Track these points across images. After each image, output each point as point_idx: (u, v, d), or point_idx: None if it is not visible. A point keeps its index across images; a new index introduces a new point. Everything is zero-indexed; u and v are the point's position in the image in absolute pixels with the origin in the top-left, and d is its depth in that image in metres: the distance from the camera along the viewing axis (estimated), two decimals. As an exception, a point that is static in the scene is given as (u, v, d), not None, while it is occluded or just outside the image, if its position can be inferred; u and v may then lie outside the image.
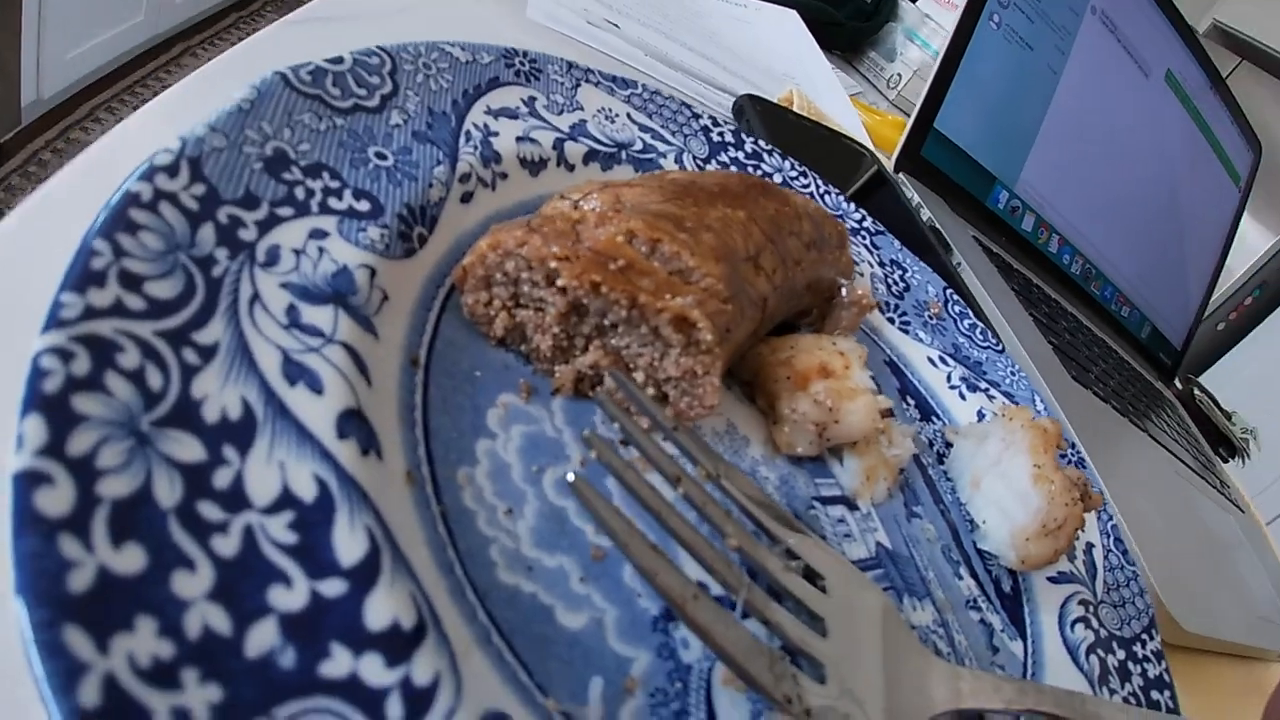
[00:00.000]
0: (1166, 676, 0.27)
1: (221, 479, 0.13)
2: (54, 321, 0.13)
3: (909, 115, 0.55)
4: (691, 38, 0.49)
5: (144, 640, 0.11)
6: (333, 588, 0.13)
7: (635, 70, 0.42)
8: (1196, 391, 0.71)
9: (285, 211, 0.18)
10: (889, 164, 0.48)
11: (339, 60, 0.22)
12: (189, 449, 0.13)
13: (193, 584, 0.12)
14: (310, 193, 0.19)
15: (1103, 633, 0.27)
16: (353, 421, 0.16)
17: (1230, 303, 0.98)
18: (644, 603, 0.19)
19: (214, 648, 0.12)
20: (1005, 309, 0.39)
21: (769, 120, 0.40)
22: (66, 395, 0.13)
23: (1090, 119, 0.59)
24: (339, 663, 0.13)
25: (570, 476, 0.16)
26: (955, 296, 0.34)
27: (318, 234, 0.18)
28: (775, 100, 0.44)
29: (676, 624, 0.19)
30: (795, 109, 0.44)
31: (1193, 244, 0.71)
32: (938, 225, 0.42)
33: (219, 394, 0.14)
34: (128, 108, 1.41)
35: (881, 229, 0.35)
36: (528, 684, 0.15)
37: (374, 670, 0.13)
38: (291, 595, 0.13)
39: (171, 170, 0.16)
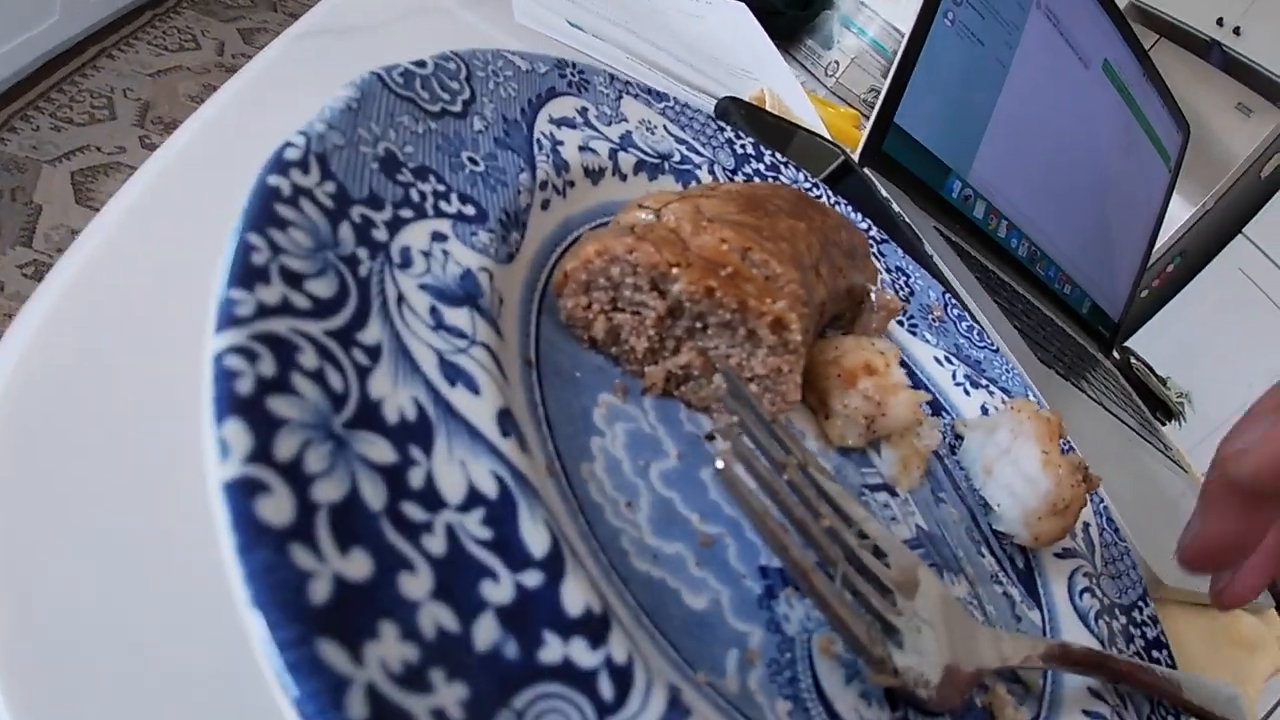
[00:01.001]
0: (1163, 638, 0.31)
1: (416, 479, 0.13)
2: (229, 320, 0.13)
3: (848, 104, 0.57)
4: (657, 36, 0.50)
5: (390, 646, 0.11)
6: (532, 579, 0.13)
7: (620, 73, 0.43)
8: (1133, 360, 0.76)
9: (406, 213, 0.18)
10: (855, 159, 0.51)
11: (422, 64, 0.22)
12: (381, 450, 0.13)
13: (417, 585, 0.12)
14: (423, 195, 0.19)
15: (1106, 601, 0.31)
16: (510, 420, 0.16)
17: (1153, 270, 1.08)
18: (749, 583, 0.20)
19: (450, 646, 0.12)
20: (976, 298, 0.42)
21: (753, 123, 0.42)
22: (261, 397, 0.12)
23: (1035, 109, 0.63)
24: (553, 649, 0.13)
25: (720, 464, 0.16)
26: (953, 300, 0.38)
27: (438, 237, 0.18)
28: (749, 99, 0.46)
29: (778, 600, 0.20)
30: (769, 108, 0.46)
31: (1128, 223, 0.76)
32: (909, 219, 0.44)
33: (393, 395, 0.14)
34: (44, 115, 1.24)
35: (886, 237, 0.38)
36: (678, 660, 0.16)
37: (582, 653, 0.13)
38: (500, 589, 0.13)
39: (303, 165, 0.16)
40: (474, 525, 0.13)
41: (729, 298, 0.21)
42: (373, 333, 0.15)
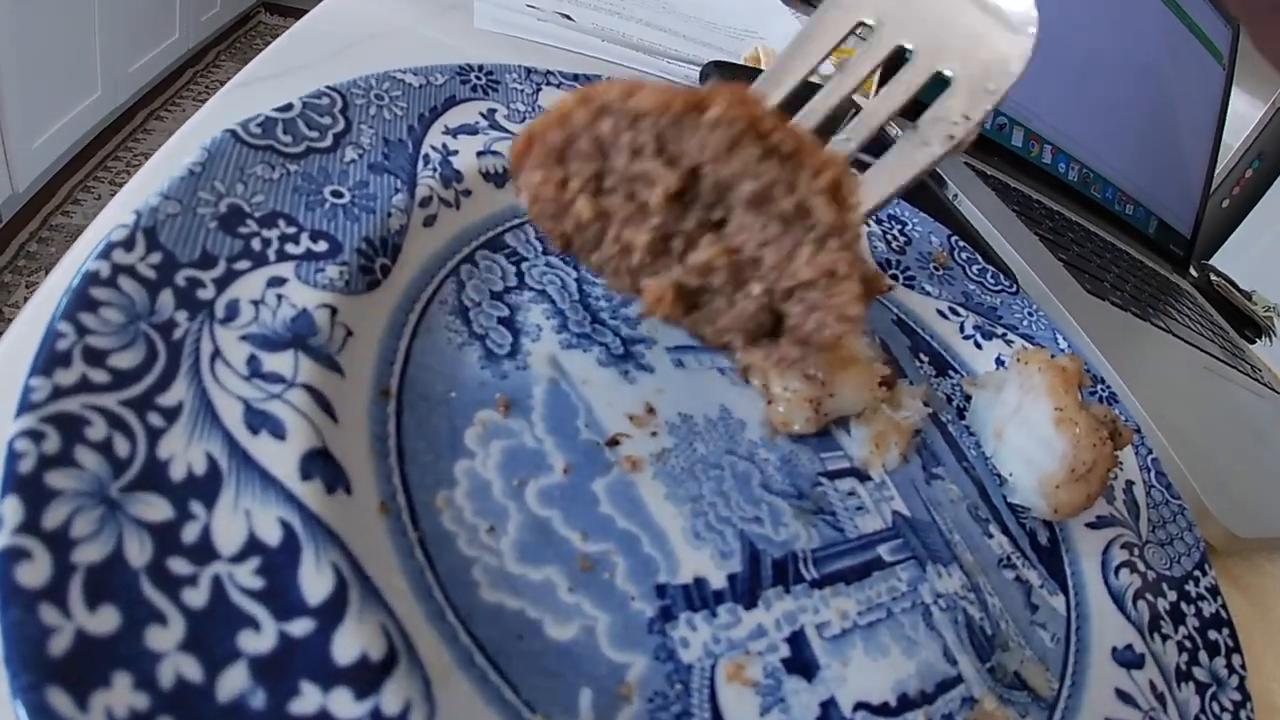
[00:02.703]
0: (1224, 613, 0.25)
1: (189, 534, 0.14)
2: (25, 406, 0.14)
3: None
4: (646, 12, 0.48)
5: (120, 694, 0.12)
6: (301, 627, 0.14)
7: (595, 59, 0.41)
8: (1213, 277, 0.68)
9: (242, 265, 0.18)
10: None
11: (288, 108, 0.22)
12: (157, 509, 0.14)
13: (165, 637, 0.13)
14: (267, 242, 0.19)
15: (1150, 575, 0.25)
16: (317, 461, 0.16)
17: (1231, 178, 0.91)
18: (638, 605, 0.18)
19: (187, 695, 0.12)
20: (1010, 234, 0.37)
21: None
22: (40, 473, 0.13)
23: (1066, 22, 0.56)
24: (308, 700, 0.13)
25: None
26: (961, 244, 0.32)
27: (276, 281, 0.19)
28: (741, 61, 0.42)
29: (675, 622, 0.18)
30: (763, 67, 0.42)
31: (1185, 129, 0.68)
32: None
33: (184, 452, 0.15)
34: (104, 184, 1.43)
35: None
36: (514, 701, 0.15)
37: (343, 704, 0.13)
38: (260, 638, 0.13)
39: (128, 244, 0.17)
40: (245, 575, 0.14)
41: (786, 135, 0.15)
42: (175, 394, 0.16)
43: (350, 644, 0.14)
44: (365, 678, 0.13)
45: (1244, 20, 0.72)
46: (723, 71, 0.40)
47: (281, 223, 0.20)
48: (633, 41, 0.44)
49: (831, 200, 0.16)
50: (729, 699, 0.18)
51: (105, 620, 0.12)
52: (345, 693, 0.13)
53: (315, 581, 0.14)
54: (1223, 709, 0.23)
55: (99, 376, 0.15)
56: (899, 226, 0.32)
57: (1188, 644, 0.24)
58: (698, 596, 0.19)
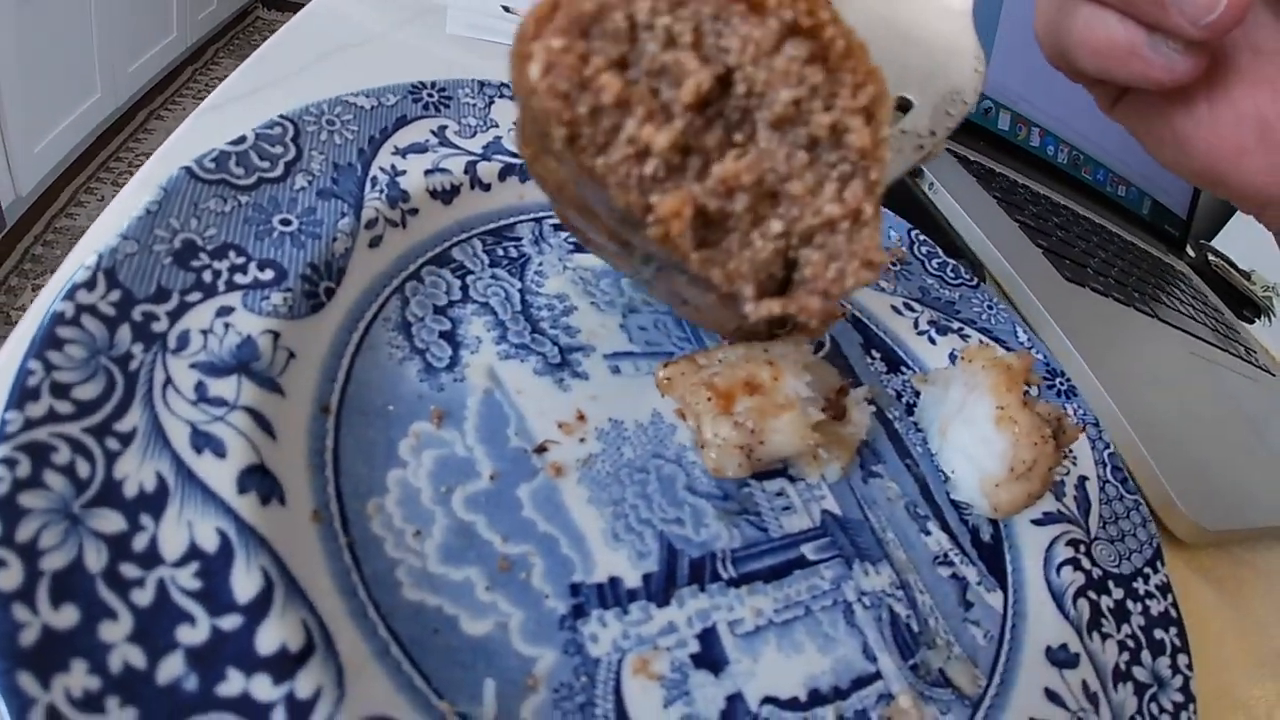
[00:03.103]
0: (1173, 611, 0.26)
1: (139, 543, 0.17)
2: (1, 437, 0.17)
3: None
4: None
5: (77, 678, 0.15)
6: (230, 622, 0.17)
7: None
8: (1210, 257, 0.68)
9: (194, 297, 0.21)
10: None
11: (241, 140, 0.25)
12: (112, 522, 0.17)
13: (115, 630, 0.16)
14: (217, 274, 0.22)
15: (1096, 572, 0.26)
16: (254, 476, 0.19)
17: None
18: (551, 603, 0.21)
19: (132, 679, 0.15)
20: (987, 223, 0.38)
21: None
22: (14, 495, 0.17)
23: None
24: (233, 684, 0.16)
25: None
26: (922, 237, 0.33)
27: (224, 311, 0.21)
28: None
29: (586, 619, 0.21)
30: None
31: None
32: None
33: (137, 472, 0.18)
34: (107, 185, 1.47)
35: None
36: (424, 689, 0.18)
37: (262, 688, 0.16)
38: (195, 631, 0.16)
39: (90, 284, 0.20)
40: (185, 578, 0.17)
41: (839, 34, 0.15)
42: (130, 420, 0.19)
43: (272, 636, 0.17)
44: (283, 666, 0.16)
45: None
46: None
47: (232, 254, 0.23)
48: None
49: (867, 122, 0.15)
50: (633, 691, 0.20)
51: (66, 617, 0.16)
52: (265, 678, 0.16)
53: (245, 582, 0.17)
54: (1162, 710, 0.24)
55: (64, 408, 0.18)
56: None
57: (1130, 643, 0.25)
58: (611, 595, 0.22)
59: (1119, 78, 0.19)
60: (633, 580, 0.22)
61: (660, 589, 0.22)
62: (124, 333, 0.20)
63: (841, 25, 0.16)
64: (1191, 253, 0.71)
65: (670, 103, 0.15)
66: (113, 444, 0.18)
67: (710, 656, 0.21)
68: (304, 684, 0.16)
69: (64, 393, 0.18)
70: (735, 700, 0.21)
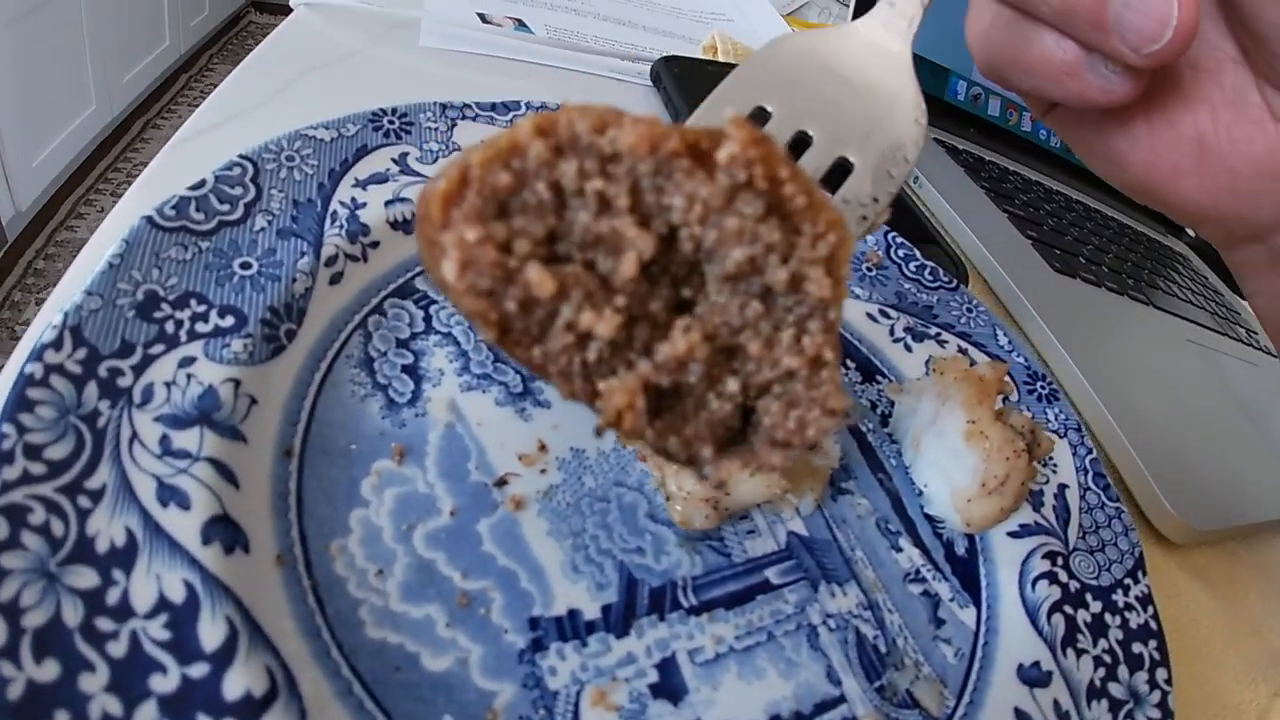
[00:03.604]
0: (1154, 624, 0.27)
1: (112, 597, 0.19)
2: (-18, 497, 0.20)
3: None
4: (605, 5, 0.49)
5: (59, 728, 0.17)
6: (198, 670, 0.19)
7: (547, 66, 0.43)
8: None
9: (157, 349, 0.23)
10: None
11: (200, 184, 0.27)
12: (86, 578, 0.19)
13: (94, 681, 0.18)
14: (179, 324, 0.24)
15: (1073, 586, 0.27)
16: (218, 526, 0.21)
17: None
18: (510, 637, 0.23)
19: (108, 728, 0.18)
20: (974, 217, 0.39)
21: (686, 79, 0.40)
22: (-4, 554, 0.19)
23: None
24: (201, 728, 0.18)
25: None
26: (900, 240, 0.33)
27: (186, 361, 0.23)
28: (700, 52, 0.43)
29: (546, 652, 0.23)
30: (720, 57, 0.43)
31: None
32: None
33: (107, 528, 0.20)
34: (105, 196, 1.53)
35: None
36: (385, 726, 0.20)
37: (228, 732, 0.18)
38: (166, 680, 0.18)
39: (57, 344, 0.22)
40: (156, 629, 0.19)
41: (797, 185, 0.14)
42: (100, 477, 0.21)
43: (238, 683, 0.19)
44: (248, 711, 0.18)
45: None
46: (674, 68, 0.41)
47: (193, 302, 0.25)
48: (585, 44, 0.46)
49: (828, 272, 0.14)
50: (592, 721, 0.22)
51: (48, 670, 0.18)
52: (230, 723, 0.18)
53: (211, 632, 0.19)
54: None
55: (37, 469, 0.20)
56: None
57: (1106, 658, 0.26)
58: (569, 627, 0.23)
59: (1054, 96, 0.20)
60: (592, 612, 0.24)
61: (619, 619, 0.24)
62: (91, 390, 0.22)
63: (801, 178, 0.15)
64: (1190, 233, 0.72)
65: (610, 275, 0.14)
66: (84, 501, 0.20)
67: (669, 686, 0.23)
68: (266, 727, 0.18)
69: (36, 454, 0.20)
70: (694, 727, 0.23)
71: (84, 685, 0.18)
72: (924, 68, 0.52)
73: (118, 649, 0.18)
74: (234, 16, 2.37)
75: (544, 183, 0.14)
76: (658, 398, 0.15)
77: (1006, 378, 0.28)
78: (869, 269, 0.33)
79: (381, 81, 0.32)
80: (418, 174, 0.31)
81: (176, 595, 0.20)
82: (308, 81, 0.37)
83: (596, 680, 0.23)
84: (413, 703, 0.21)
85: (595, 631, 0.23)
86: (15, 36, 1.31)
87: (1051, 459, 0.30)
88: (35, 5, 1.33)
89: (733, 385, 0.16)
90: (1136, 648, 0.27)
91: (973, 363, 0.29)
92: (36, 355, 0.22)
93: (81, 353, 0.22)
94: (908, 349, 0.31)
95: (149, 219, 0.25)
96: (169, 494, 0.21)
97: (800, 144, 0.22)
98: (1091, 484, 0.30)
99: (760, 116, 0.21)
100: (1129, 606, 0.27)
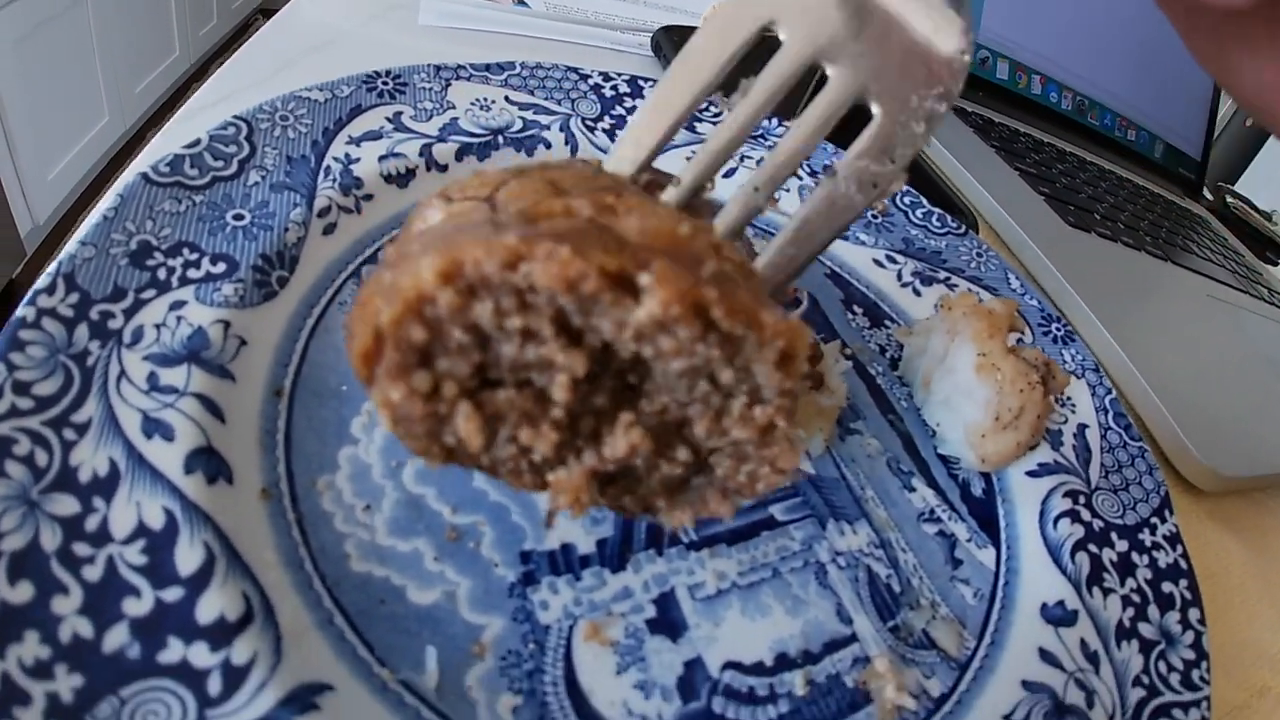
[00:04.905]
0: (1184, 563, 0.24)
1: (91, 523, 0.18)
2: (-30, 430, 0.19)
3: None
4: None
5: (29, 647, 0.16)
6: (172, 594, 0.18)
7: (547, 40, 0.43)
8: (1229, 200, 0.67)
9: (148, 294, 0.23)
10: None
11: (195, 143, 0.27)
12: (67, 505, 0.19)
13: (66, 604, 0.17)
14: (171, 270, 0.24)
15: (1097, 524, 0.25)
16: (201, 457, 0.20)
17: None
18: (501, 571, 0.21)
19: (79, 648, 0.17)
20: (983, 172, 0.37)
21: None
22: (-21, 483, 0.18)
23: None
24: (173, 651, 0.17)
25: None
26: (905, 188, 0.32)
27: (177, 305, 0.23)
28: (700, 21, 0.42)
29: (537, 586, 0.21)
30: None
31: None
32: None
33: (91, 458, 0.19)
34: None
35: None
36: (366, 657, 0.19)
37: (200, 655, 0.17)
38: (140, 603, 0.18)
39: (50, 289, 0.22)
40: (132, 554, 0.18)
41: (733, 320, 0.13)
42: (86, 411, 0.20)
43: (211, 607, 0.18)
44: (220, 634, 0.17)
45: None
46: (675, 36, 0.40)
47: (185, 250, 0.24)
48: (585, 18, 0.45)
49: (780, 369, 0.14)
50: (585, 658, 0.20)
51: (22, 592, 0.17)
52: (203, 646, 0.17)
53: (188, 556, 0.18)
54: (1171, 668, 0.23)
55: (25, 404, 0.20)
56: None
57: (1135, 598, 0.24)
58: (563, 561, 0.22)
59: None
60: (586, 546, 0.22)
61: (615, 554, 0.22)
62: (81, 331, 0.22)
63: (740, 307, 0.13)
64: (1209, 196, 0.69)
65: (547, 390, 0.14)
66: (69, 434, 0.20)
67: (667, 621, 0.22)
68: (240, 651, 0.17)
69: (25, 390, 0.20)
70: (694, 666, 0.21)
71: (56, 607, 0.17)
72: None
73: (93, 573, 0.18)
74: (242, 25, 2.36)
75: (459, 328, 0.13)
76: (616, 473, 0.15)
77: (1019, 314, 0.26)
78: (875, 216, 0.31)
79: (381, 59, 0.32)
80: (413, 131, 0.30)
81: (155, 522, 0.19)
82: (308, 60, 0.38)
83: (590, 615, 0.21)
84: (396, 635, 0.20)
85: (590, 566, 0.22)
86: (26, 52, 1.31)
87: (1070, 399, 0.28)
88: (44, 20, 1.33)
89: (683, 454, 0.15)
90: (1166, 587, 0.24)
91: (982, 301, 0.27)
92: (30, 300, 0.21)
93: (74, 297, 0.22)
94: (916, 293, 0.30)
95: (144, 175, 0.25)
96: (154, 427, 0.20)
97: (804, 81, 0.18)
98: (1112, 424, 0.27)
99: (767, 42, 0.18)
100: (1157, 546, 0.25)
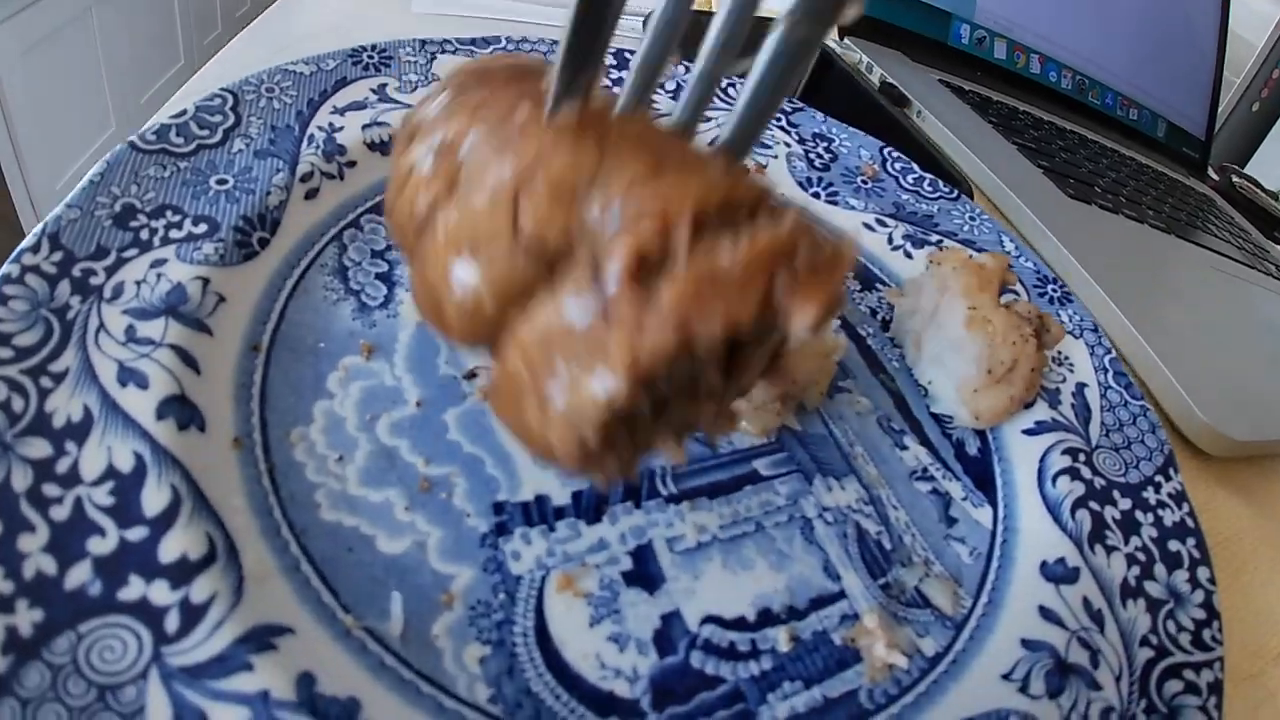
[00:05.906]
0: (1190, 521, 0.23)
1: (62, 466, 0.19)
2: (-50, 377, 0.20)
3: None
4: None
5: (-7, 583, 0.17)
6: (136, 534, 0.18)
7: (541, 25, 0.43)
8: (1235, 179, 0.65)
9: (130, 253, 0.23)
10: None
11: (182, 113, 0.27)
12: (39, 449, 0.19)
13: (32, 541, 0.17)
14: (154, 231, 0.24)
15: (1098, 482, 0.23)
16: (173, 405, 0.20)
17: (1259, 79, 0.83)
18: (473, 521, 0.21)
19: (41, 584, 0.17)
20: (979, 145, 0.36)
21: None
22: (-46, 426, 0.19)
23: None
24: (133, 589, 0.17)
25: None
26: (895, 154, 0.31)
27: (158, 263, 0.23)
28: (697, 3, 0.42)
29: (510, 537, 0.21)
30: (714, 8, 0.42)
31: (1185, 22, 0.63)
32: (892, 81, 0.39)
33: (66, 405, 0.20)
34: None
35: (800, 105, 0.33)
36: (330, 603, 0.19)
37: (160, 593, 0.17)
38: (105, 542, 0.18)
39: (35, 248, 0.22)
40: (100, 495, 0.18)
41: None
42: (64, 361, 0.20)
43: (174, 546, 0.18)
44: (181, 573, 0.17)
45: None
46: None
47: (169, 213, 0.24)
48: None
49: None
50: (556, 609, 0.20)
51: (-10, 530, 0.17)
52: (163, 584, 0.17)
53: (154, 497, 0.18)
54: (1180, 628, 0.22)
55: (4, 354, 0.20)
56: (824, 144, 0.31)
57: (1140, 556, 0.23)
58: (536, 513, 0.21)
59: None
60: (561, 498, 0.22)
61: (590, 506, 0.22)
62: (64, 287, 0.22)
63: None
64: (1215, 175, 0.67)
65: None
66: (46, 382, 0.20)
67: (644, 574, 0.21)
68: (199, 590, 0.17)
69: (5, 341, 0.20)
70: (672, 619, 0.20)
71: (22, 545, 0.17)
72: (925, 12, 0.50)
73: (60, 513, 0.18)
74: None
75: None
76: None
77: (1010, 270, 0.25)
78: (864, 182, 0.30)
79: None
80: (397, 102, 0.30)
81: (125, 465, 0.19)
82: (302, 48, 0.38)
83: (564, 566, 0.21)
84: (363, 583, 0.19)
85: (565, 518, 0.21)
86: (31, 64, 1.32)
87: (1068, 358, 0.27)
88: (49, 33, 1.33)
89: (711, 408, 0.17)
90: (1173, 545, 0.23)
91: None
92: (15, 258, 0.22)
93: (58, 255, 0.22)
94: (907, 255, 0.29)
95: (130, 143, 0.26)
96: (129, 375, 0.21)
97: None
98: (1112, 383, 0.26)
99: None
100: (1161, 504, 0.24)
